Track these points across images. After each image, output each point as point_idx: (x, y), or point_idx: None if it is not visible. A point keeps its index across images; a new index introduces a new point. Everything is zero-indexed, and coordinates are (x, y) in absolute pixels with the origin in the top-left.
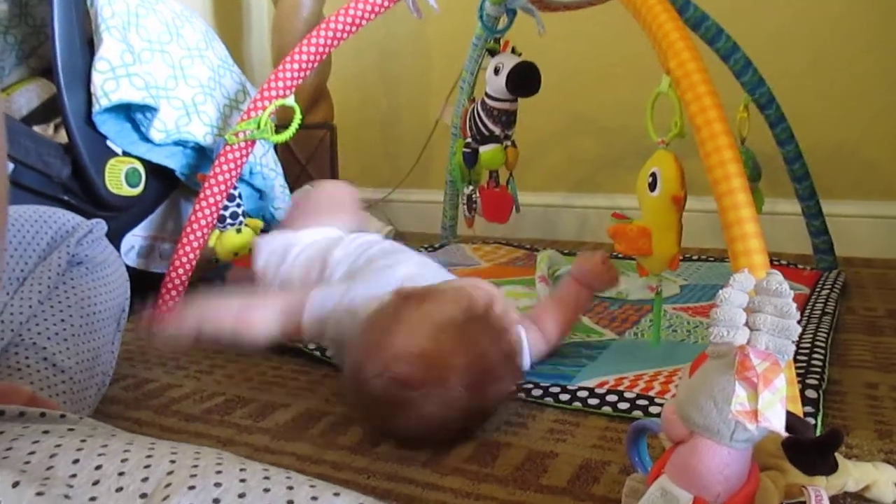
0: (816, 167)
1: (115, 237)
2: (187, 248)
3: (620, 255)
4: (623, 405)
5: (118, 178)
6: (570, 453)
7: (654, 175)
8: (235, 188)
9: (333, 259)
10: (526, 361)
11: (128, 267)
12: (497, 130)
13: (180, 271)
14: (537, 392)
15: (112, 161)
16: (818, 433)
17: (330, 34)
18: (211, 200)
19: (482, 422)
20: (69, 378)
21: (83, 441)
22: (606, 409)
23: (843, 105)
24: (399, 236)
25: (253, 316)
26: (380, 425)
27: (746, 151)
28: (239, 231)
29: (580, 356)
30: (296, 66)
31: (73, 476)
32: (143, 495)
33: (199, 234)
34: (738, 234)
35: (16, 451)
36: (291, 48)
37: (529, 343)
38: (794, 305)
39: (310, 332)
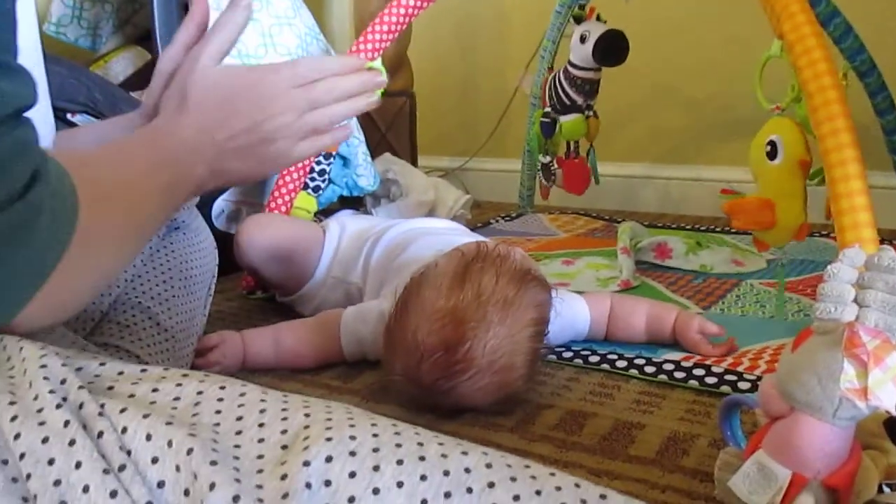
0: None
1: (205, 202)
2: (275, 212)
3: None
4: (710, 380)
5: None
6: (657, 425)
7: (772, 143)
8: (329, 155)
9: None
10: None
11: (216, 230)
12: (579, 100)
13: None
14: (622, 363)
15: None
16: None
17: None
18: (298, 164)
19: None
20: (171, 337)
21: (222, 389)
22: (693, 383)
23: None
24: (476, 205)
25: (289, 352)
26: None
27: None
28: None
29: None
30: (384, 28)
31: (217, 425)
32: (284, 446)
33: (286, 197)
34: (848, 207)
35: (162, 396)
36: (373, 16)
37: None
38: None
39: (350, 352)
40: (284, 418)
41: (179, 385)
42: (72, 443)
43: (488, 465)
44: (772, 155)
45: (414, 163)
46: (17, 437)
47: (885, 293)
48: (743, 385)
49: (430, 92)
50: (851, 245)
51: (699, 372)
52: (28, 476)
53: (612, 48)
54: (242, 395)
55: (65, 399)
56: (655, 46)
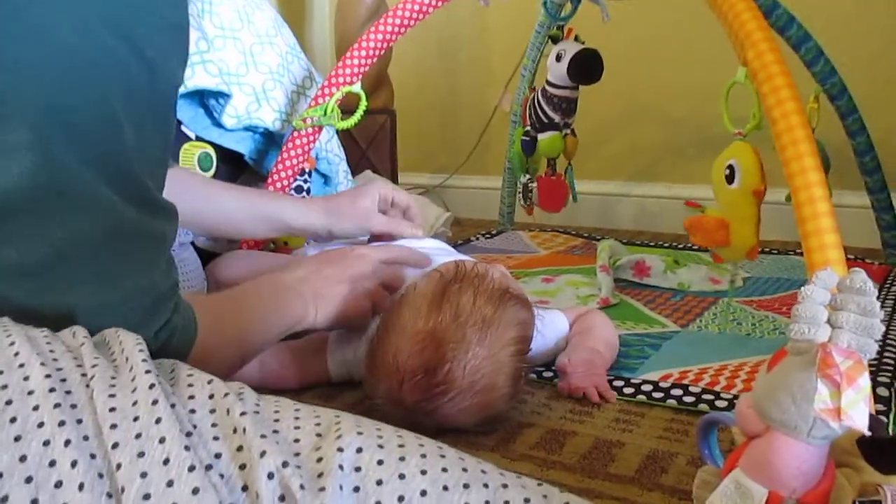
0: (888, 159)
1: None
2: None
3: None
4: (688, 399)
5: (192, 162)
6: (636, 443)
7: (731, 167)
8: (305, 171)
9: None
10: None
11: (198, 249)
12: (556, 118)
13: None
14: None
15: (186, 145)
16: (890, 431)
17: (398, 21)
18: (279, 186)
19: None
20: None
21: (257, 402)
22: (671, 402)
23: None
24: (456, 222)
25: (273, 374)
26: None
27: (816, 143)
28: None
29: (643, 346)
30: (363, 53)
31: (257, 413)
32: (318, 435)
33: None
34: (814, 229)
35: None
36: (354, 34)
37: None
38: (878, 304)
39: (337, 374)
40: (317, 416)
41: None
42: (154, 402)
43: (501, 474)
44: (730, 178)
45: (394, 180)
46: (112, 409)
47: (858, 314)
48: (720, 403)
49: (411, 109)
50: (820, 266)
51: (677, 392)
52: (114, 426)
53: (586, 67)
54: (277, 402)
55: (148, 372)
56: (632, 66)
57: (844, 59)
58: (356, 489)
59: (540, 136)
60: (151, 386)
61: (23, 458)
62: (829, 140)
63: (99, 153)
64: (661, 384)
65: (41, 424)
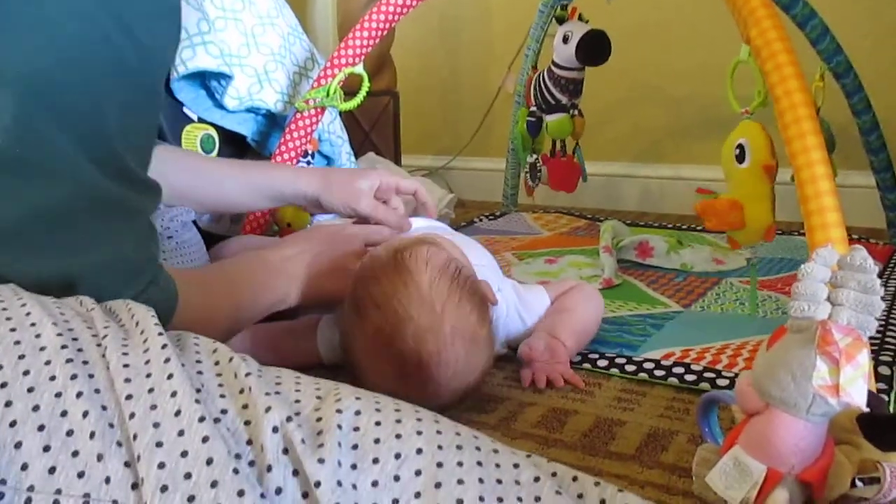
0: (893, 138)
1: None
2: (258, 214)
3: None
4: (690, 377)
5: (194, 144)
6: (637, 422)
7: (741, 146)
8: (307, 153)
9: None
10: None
11: (201, 231)
12: (564, 99)
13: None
14: (603, 362)
15: (188, 127)
16: (891, 409)
17: (400, 2)
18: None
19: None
20: None
21: (260, 368)
22: (673, 380)
23: None
24: (459, 204)
25: (264, 354)
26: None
27: (821, 122)
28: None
29: (645, 325)
30: (365, 34)
31: (260, 377)
32: (318, 398)
33: (261, 220)
34: (816, 208)
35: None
36: (356, 15)
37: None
38: (878, 282)
39: (327, 357)
40: (317, 384)
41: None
42: (167, 360)
43: (492, 440)
44: (740, 158)
45: (398, 162)
46: (125, 365)
47: (858, 292)
48: (721, 382)
49: (413, 91)
50: (823, 245)
51: (678, 370)
52: (127, 380)
53: (594, 48)
54: (278, 371)
55: (160, 335)
56: (637, 46)
57: (850, 37)
58: (355, 447)
59: (548, 118)
60: (164, 346)
61: (36, 408)
62: (834, 119)
63: (79, 127)
64: (663, 363)
65: (53, 377)
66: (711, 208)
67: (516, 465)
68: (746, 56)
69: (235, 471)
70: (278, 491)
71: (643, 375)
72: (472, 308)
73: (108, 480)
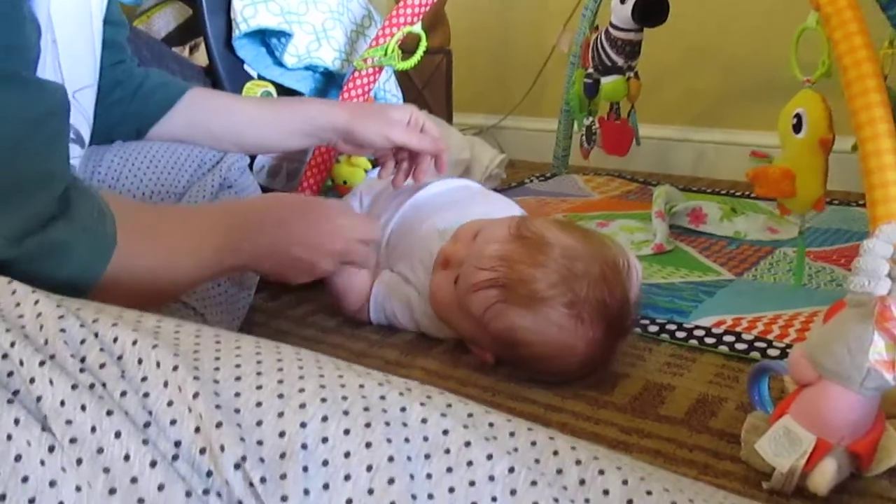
0: None
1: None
2: (315, 170)
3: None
4: (740, 346)
5: None
6: (686, 387)
7: (798, 116)
8: None
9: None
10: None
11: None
12: (620, 61)
13: (307, 193)
14: (653, 328)
15: (248, 84)
16: None
17: None
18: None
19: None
20: (224, 291)
21: (217, 342)
22: (723, 348)
23: None
24: (510, 164)
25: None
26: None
27: (888, 91)
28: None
29: (697, 292)
30: None
31: (217, 370)
32: (280, 396)
33: (325, 156)
34: (880, 182)
35: (164, 334)
36: None
37: None
38: None
39: (377, 320)
40: (280, 368)
41: (177, 337)
42: (101, 397)
43: (465, 427)
44: (797, 128)
45: (449, 121)
46: (51, 382)
47: None
48: (772, 352)
49: (466, 49)
50: (883, 220)
51: (729, 338)
52: (68, 422)
53: (651, 9)
54: (238, 347)
55: (83, 360)
56: (694, 6)
57: None
58: (325, 463)
59: (603, 80)
60: (92, 386)
61: None
62: None
63: None
64: (714, 330)
65: None
66: (763, 175)
67: (490, 457)
68: (814, 23)
69: None
70: None
71: (693, 342)
72: None
73: None
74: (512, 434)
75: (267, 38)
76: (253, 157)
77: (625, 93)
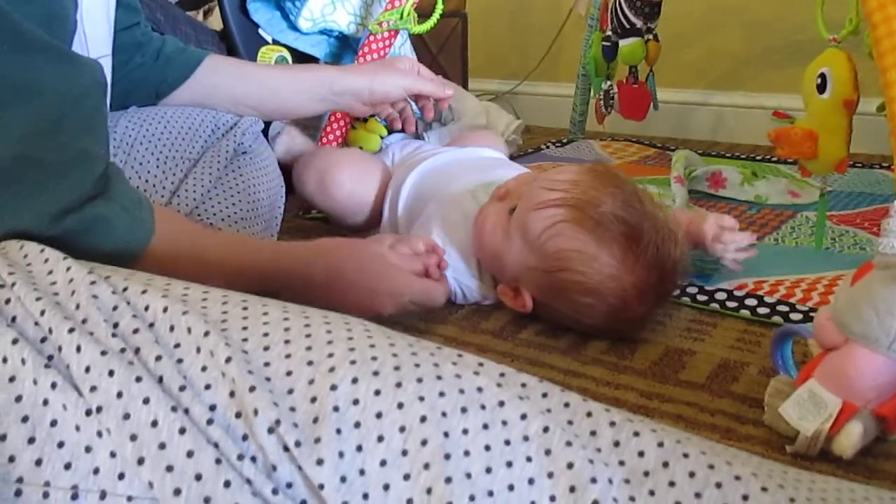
0: None
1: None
2: (330, 137)
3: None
4: (762, 310)
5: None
6: (707, 352)
7: (823, 76)
8: None
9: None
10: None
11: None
12: (639, 23)
13: None
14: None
15: (263, 49)
16: None
17: None
18: None
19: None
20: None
21: (245, 308)
22: (745, 312)
23: None
24: (526, 130)
25: None
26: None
27: None
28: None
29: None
30: None
31: (245, 341)
32: (310, 363)
33: (342, 122)
34: None
35: (192, 302)
36: None
37: None
38: None
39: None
40: (308, 334)
41: (204, 304)
42: (130, 363)
43: (499, 385)
44: (821, 88)
45: (465, 86)
46: (78, 349)
47: None
48: (795, 316)
49: (482, 12)
50: None
51: (751, 302)
52: (93, 388)
53: None
54: (265, 314)
55: (116, 326)
56: None
57: None
58: (357, 425)
59: (621, 42)
60: (123, 350)
61: (18, 398)
62: None
63: None
64: (736, 293)
65: (24, 361)
66: (786, 136)
67: (524, 417)
68: None
69: (227, 483)
70: (289, 485)
71: (715, 306)
72: None
73: (96, 471)
74: (545, 395)
75: (281, 2)
76: (268, 124)
77: (643, 55)
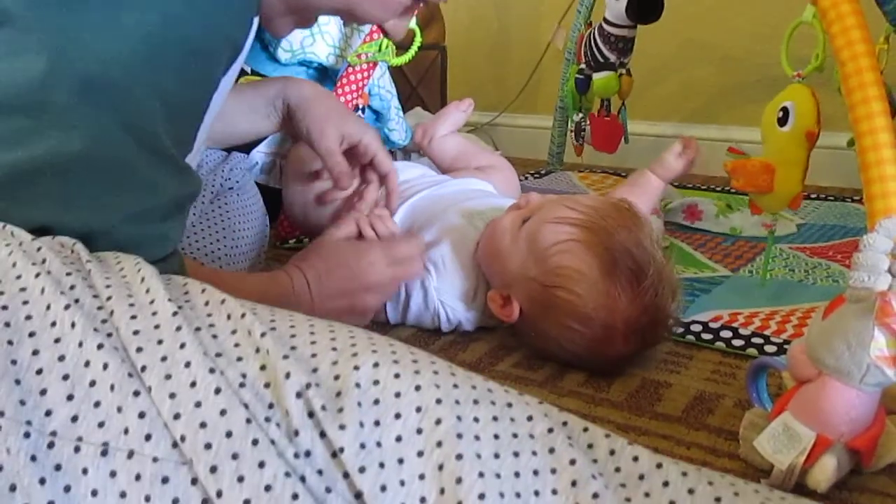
0: None
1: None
2: (346, 89)
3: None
4: (737, 342)
5: None
6: (683, 384)
7: (785, 109)
8: (358, 107)
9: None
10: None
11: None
12: (612, 57)
13: None
14: None
15: (241, 80)
16: None
17: None
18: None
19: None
20: None
21: (272, 310)
22: (720, 344)
23: None
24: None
25: None
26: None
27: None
28: None
29: (693, 289)
30: None
31: (273, 329)
32: (334, 349)
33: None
34: (877, 176)
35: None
36: None
37: None
38: None
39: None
40: (331, 329)
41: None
42: (178, 328)
43: (506, 391)
44: (782, 121)
45: None
46: (135, 332)
47: None
48: (769, 348)
49: (461, 45)
50: (882, 214)
51: (726, 334)
52: (139, 349)
53: (645, 5)
54: (291, 317)
55: (169, 301)
56: (689, 2)
57: None
58: (376, 402)
59: (595, 76)
60: (175, 314)
61: (61, 358)
62: None
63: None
64: (711, 325)
65: (73, 325)
66: (742, 168)
67: (530, 418)
68: (811, 17)
69: (255, 442)
70: (307, 454)
71: (690, 338)
72: None
73: (126, 431)
74: (546, 415)
75: (261, 33)
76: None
77: (616, 89)
